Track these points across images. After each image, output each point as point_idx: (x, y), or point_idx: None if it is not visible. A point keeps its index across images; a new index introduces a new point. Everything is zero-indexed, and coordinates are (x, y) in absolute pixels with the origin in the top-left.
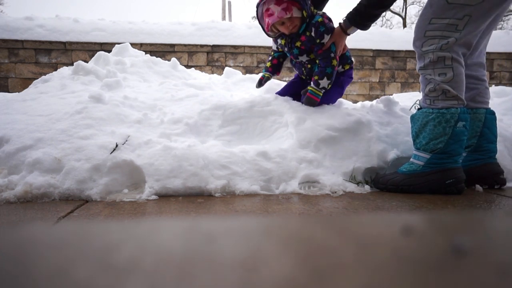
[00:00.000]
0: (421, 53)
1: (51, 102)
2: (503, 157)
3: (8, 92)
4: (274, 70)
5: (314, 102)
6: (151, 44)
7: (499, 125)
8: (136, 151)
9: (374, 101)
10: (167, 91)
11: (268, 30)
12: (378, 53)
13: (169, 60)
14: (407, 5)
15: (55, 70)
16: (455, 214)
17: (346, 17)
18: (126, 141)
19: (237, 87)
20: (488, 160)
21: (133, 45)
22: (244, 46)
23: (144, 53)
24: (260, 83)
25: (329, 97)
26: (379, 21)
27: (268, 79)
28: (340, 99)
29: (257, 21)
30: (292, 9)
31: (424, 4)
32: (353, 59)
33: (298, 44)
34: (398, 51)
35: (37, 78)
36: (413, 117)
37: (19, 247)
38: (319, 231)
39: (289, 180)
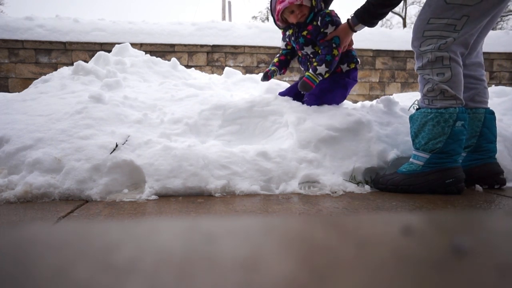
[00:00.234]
0: (420, 53)
1: (51, 102)
2: (503, 157)
3: (8, 92)
4: (281, 65)
5: (309, 87)
6: (151, 44)
7: (499, 125)
8: (136, 151)
9: (374, 101)
10: (167, 91)
11: (278, 19)
12: (378, 53)
13: (169, 60)
14: (407, 5)
15: (55, 70)
16: (455, 214)
17: (354, 14)
18: (126, 141)
19: (237, 87)
20: (488, 160)
21: (133, 45)
22: (244, 46)
23: (144, 53)
24: (266, 76)
25: (331, 98)
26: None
27: (274, 72)
28: None
29: (257, 21)
30: None
31: (423, 4)
32: (358, 59)
33: (304, 33)
34: (398, 51)
35: (37, 78)
36: (412, 117)
37: (19, 247)
38: (319, 231)
39: (289, 180)
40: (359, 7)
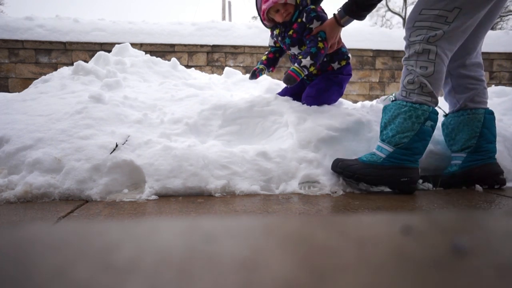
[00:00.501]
0: (408, 43)
1: (51, 102)
2: (503, 157)
3: (8, 92)
4: (269, 63)
5: (293, 79)
6: (151, 44)
7: (499, 125)
8: (136, 151)
9: (374, 101)
10: (167, 91)
11: (264, 18)
12: (378, 53)
13: (169, 60)
14: (407, 5)
15: (55, 70)
16: (455, 214)
17: (341, 7)
18: (126, 141)
19: (237, 87)
20: (488, 161)
21: (133, 45)
22: (244, 46)
23: (144, 53)
24: (254, 74)
25: (327, 96)
26: (379, 21)
27: (261, 71)
28: (340, 99)
29: (257, 21)
30: None
31: None
32: (350, 55)
33: (290, 32)
34: (398, 51)
35: (37, 78)
36: (385, 108)
37: (19, 247)
38: (319, 231)
39: (289, 180)
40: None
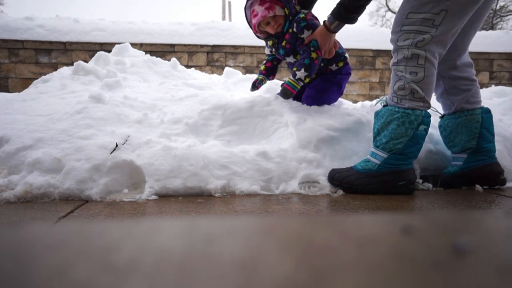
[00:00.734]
0: (396, 48)
1: (51, 102)
2: (503, 157)
3: (8, 92)
4: (268, 73)
5: (289, 93)
6: (151, 44)
7: (499, 125)
8: (136, 151)
9: (374, 101)
10: (167, 91)
11: (256, 31)
12: (378, 53)
13: (169, 60)
14: None
15: (55, 70)
16: (455, 214)
17: (330, 13)
18: (126, 141)
19: (237, 87)
20: (489, 160)
21: (133, 45)
22: (244, 46)
23: (144, 53)
24: (254, 86)
25: (327, 97)
26: (379, 21)
27: (261, 81)
28: (340, 99)
29: None
30: (275, 7)
31: None
32: (347, 55)
33: (283, 43)
34: None
35: (37, 78)
36: (377, 114)
37: (19, 247)
38: (319, 231)
39: (289, 180)
40: (335, 5)
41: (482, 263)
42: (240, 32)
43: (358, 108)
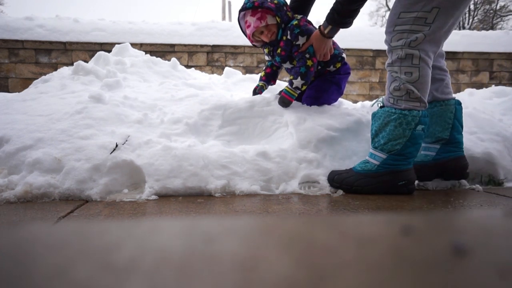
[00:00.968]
0: (390, 48)
1: (51, 102)
2: (503, 157)
3: (8, 92)
4: (268, 78)
5: (287, 102)
6: (151, 44)
7: (499, 125)
8: (136, 151)
9: (371, 102)
10: (167, 91)
11: (251, 41)
12: (378, 53)
13: (169, 60)
14: None
15: (55, 70)
16: (455, 214)
17: (325, 18)
18: (126, 141)
19: (237, 87)
20: (459, 153)
21: (133, 45)
22: (244, 46)
23: (144, 53)
24: (255, 93)
25: (327, 97)
26: (379, 21)
27: (262, 88)
28: (340, 99)
29: None
30: (266, 17)
31: None
32: (344, 55)
33: (278, 51)
34: None
35: (37, 78)
36: (374, 115)
37: (19, 247)
38: (319, 231)
39: (289, 180)
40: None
41: (481, 263)
42: (240, 32)
43: (358, 108)
